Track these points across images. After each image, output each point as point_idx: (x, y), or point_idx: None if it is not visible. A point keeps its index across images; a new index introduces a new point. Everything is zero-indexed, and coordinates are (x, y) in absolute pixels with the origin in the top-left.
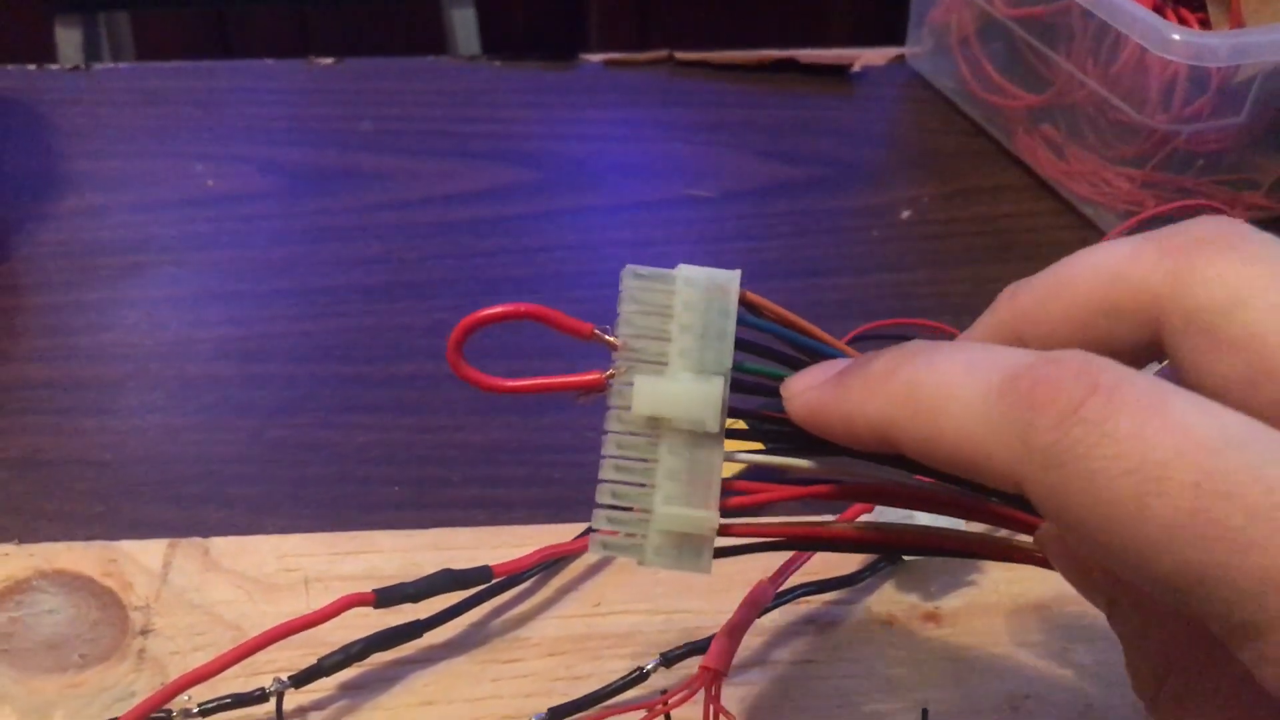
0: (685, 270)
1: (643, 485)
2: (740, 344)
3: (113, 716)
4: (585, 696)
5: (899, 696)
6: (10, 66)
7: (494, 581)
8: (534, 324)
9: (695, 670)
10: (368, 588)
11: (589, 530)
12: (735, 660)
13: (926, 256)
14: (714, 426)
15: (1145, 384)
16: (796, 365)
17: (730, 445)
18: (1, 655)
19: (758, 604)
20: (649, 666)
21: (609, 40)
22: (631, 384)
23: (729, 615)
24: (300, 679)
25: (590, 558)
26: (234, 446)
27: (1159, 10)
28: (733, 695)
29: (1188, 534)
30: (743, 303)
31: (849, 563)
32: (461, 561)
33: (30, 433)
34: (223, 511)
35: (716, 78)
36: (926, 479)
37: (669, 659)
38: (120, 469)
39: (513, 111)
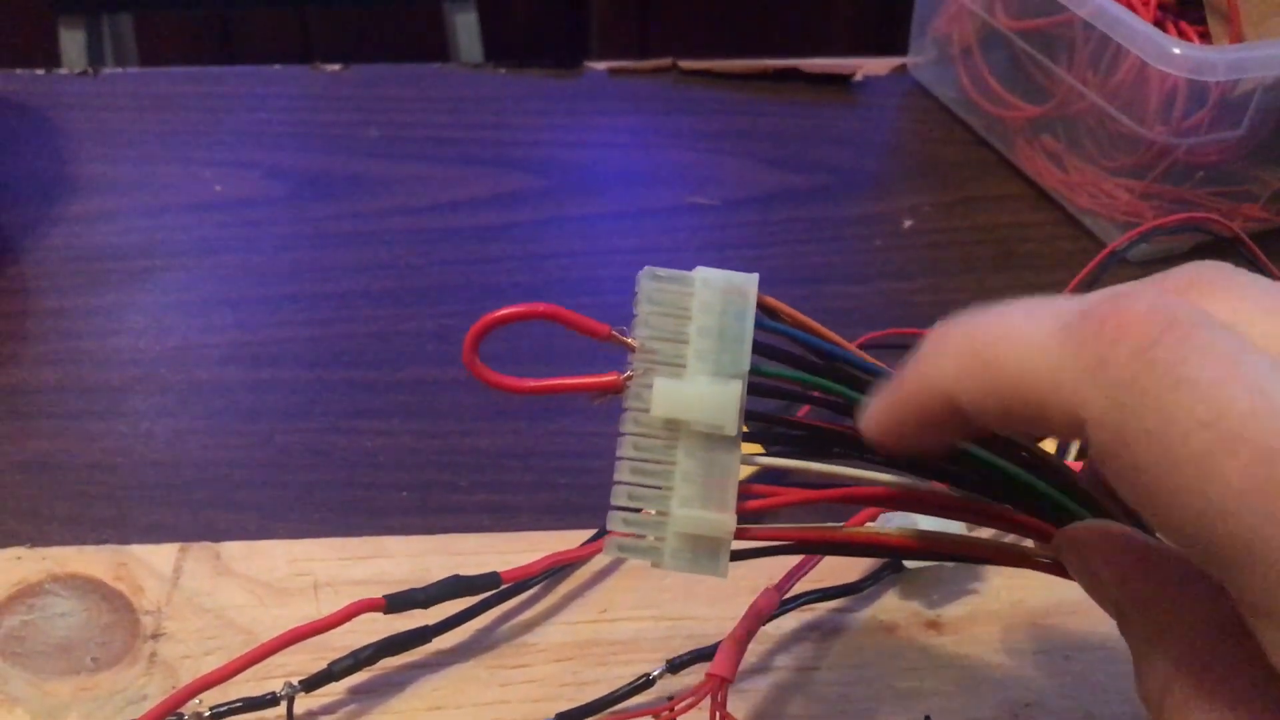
0: (703, 272)
1: (659, 488)
2: (756, 347)
3: (126, 719)
4: (592, 702)
5: (902, 704)
6: (18, 71)
7: (502, 587)
8: (542, 327)
9: (701, 677)
10: (377, 592)
11: (600, 534)
12: (740, 667)
13: (928, 265)
14: (732, 430)
15: (1221, 331)
16: (812, 369)
17: (744, 449)
18: (14, 658)
19: (763, 612)
20: (655, 673)
21: (610, 46)
22: (650, 386)
23: (734, 622)
24: (310, 683)
25: (597, 564)
26: (243, 451)
27: (1159, 24)
28: (737, 701)
29: (1254, 500)
30: (760, 306)
31: (852, 571)
32: (470, 567)
33: (41, 436)
34: (233, 516)
35: (719, 86)
36: (940, 484)
37: (675, 665)
38: (130, 473)
39: (518, 119)
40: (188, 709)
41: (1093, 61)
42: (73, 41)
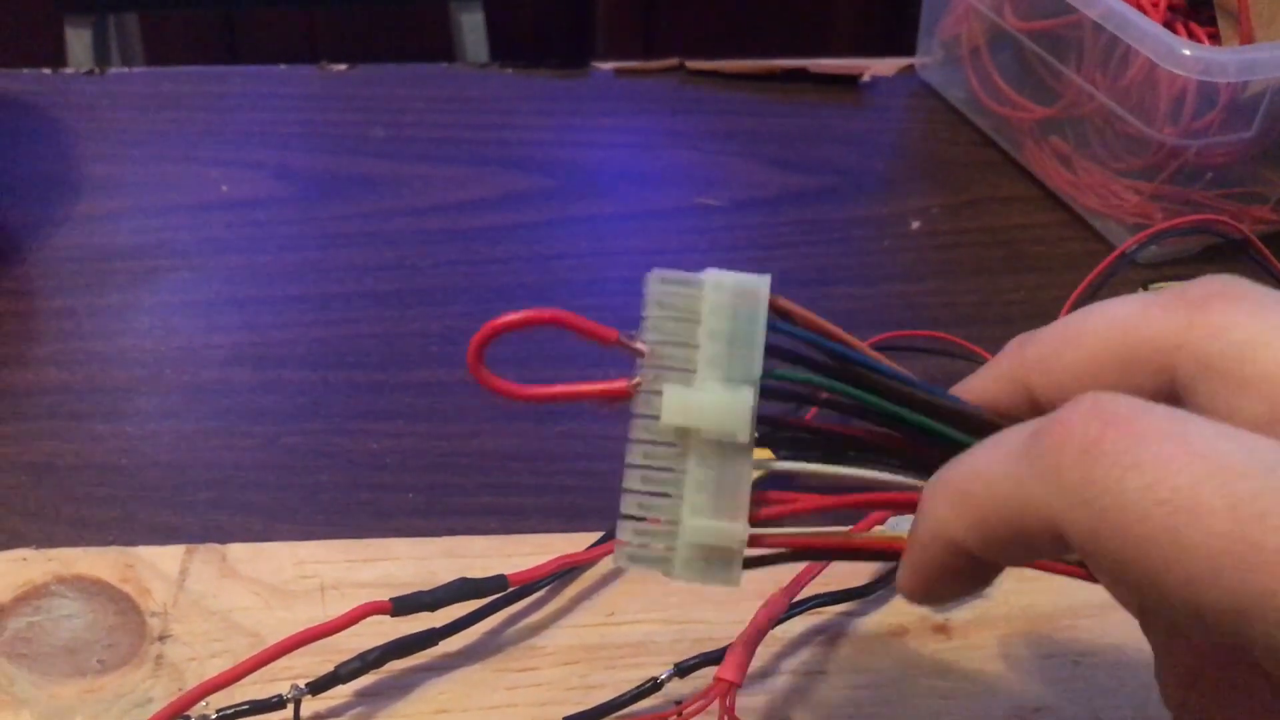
0: (713, 275)
1: (669, 496)
2: (768, 350)
3: None
4: (600, 706)
5: (910, 708)
6: (25, 70)
7: (509, 590)
8: (550, 331)
9: (709, 680)
10: (383, 595)
11: (607, 537)
12: (748, 671)
13: (936, 267)
14: (744, 437)
15: (1162, 412)
16: (825, 371)
17: (755, 454)
18: (20, 660)
19: (771, 616)
20: (663, 676)
21: (616, 46)
22: (659, 392)
23: (742, 625)
24: (317, 686)
25: (605, 567)
26: (249, 453)
27: (1169, 25)
28: (745, 705)
29: (1228, 560)
30: (772, 308)
31: (861, 575)
32: (476, 569)
33: (46, 437)
34: (238, 518)
35: (727, 87)
36: None
37: (683, 669)
38: (136, 474)
39: (524, 119)
40: (194, 712)
41: (1102, 62)
42: (79, 41)
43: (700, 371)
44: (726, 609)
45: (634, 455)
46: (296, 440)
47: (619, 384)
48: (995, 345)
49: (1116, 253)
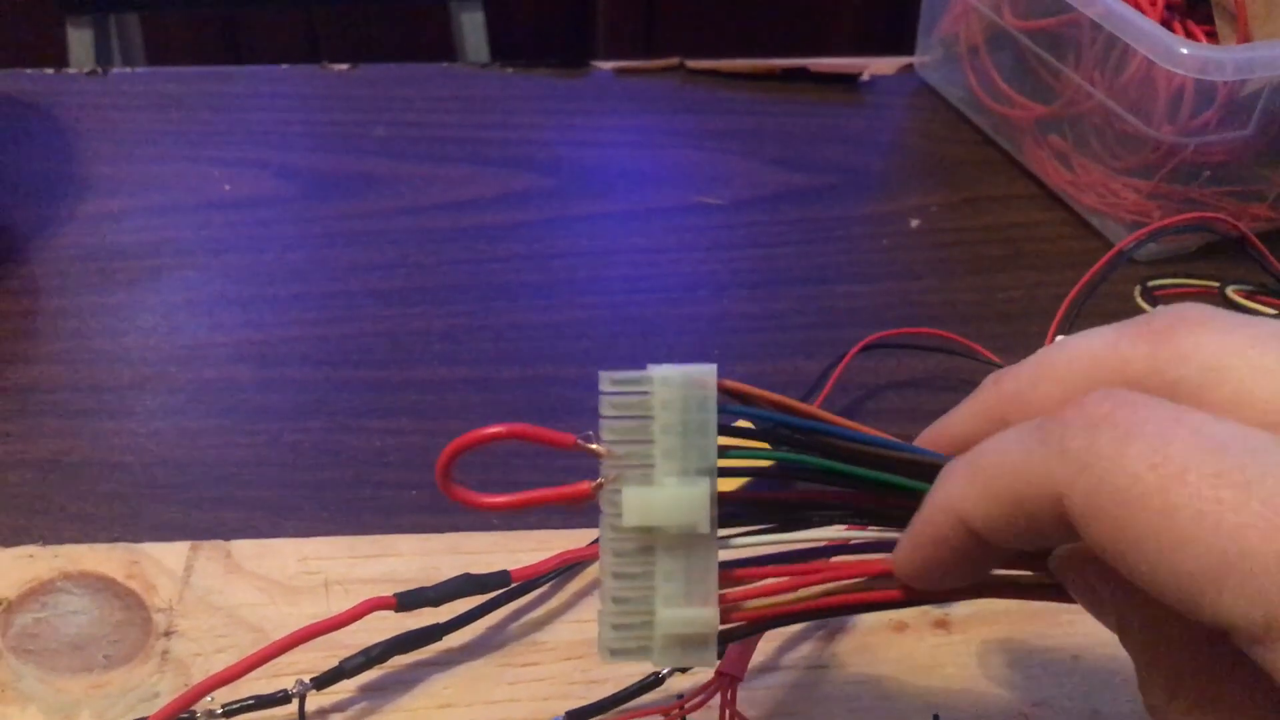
0: (660, 371)
1: (642, 589)
2: (729, 431)
3: (138, 717)
4: (602, 700)
5: (910, 702)
6: (27, 71)
7: (512, 586)
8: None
9: (710, 674)
10: (387, 590)
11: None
12: (750, 665)
13: (935, 265)
14: (705, 528)
15: (1165, 402)
16: (786, 443)
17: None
18: (27, 656)
19: None
20: (665, 671)
21: (616, 45)
22: (620, 491)
23: None
24: (322, 681)
25: None
26: (252, 450)
27: (1166, 23)
28: (746, 699)
29: (1211, 521)
30: (725, 391)
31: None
32: (479, 565)
33: (51, 435)
34: (242, 514)
35: (727, 86)
36: None
37: None
38: (141, 471)
39: (525, 118)
40: (200, 707)
41: (1100, 61)
42: (80, 41)
43: (658, 466)
44: None
45: (604, 553)
46: (300, 437)
47: (582, 487)
48: (994, 342)
49: (1115, 250)
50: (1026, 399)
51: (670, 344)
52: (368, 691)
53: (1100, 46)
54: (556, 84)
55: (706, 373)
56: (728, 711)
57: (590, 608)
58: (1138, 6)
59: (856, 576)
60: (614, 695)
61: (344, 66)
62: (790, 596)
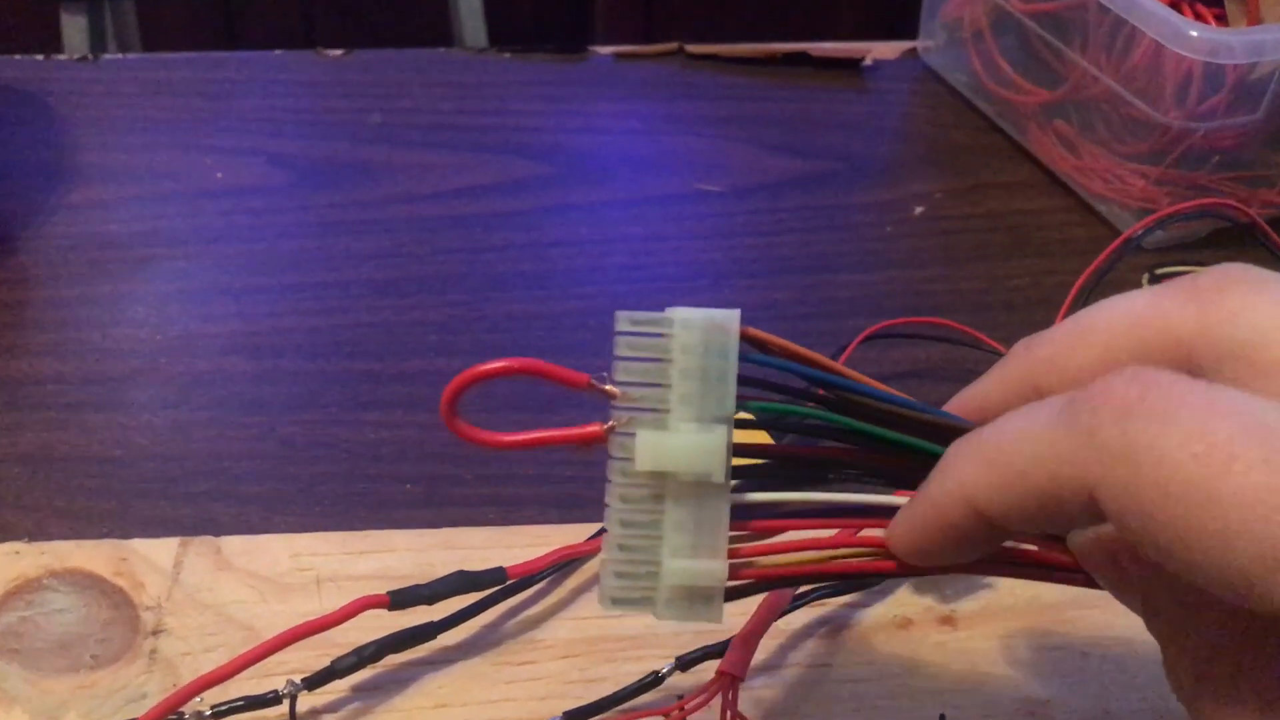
0: (681, 313)
1: (649, 537)
2: (745, 380)
3: (126, 718)
4: (600, 700)
5: (916, 701)
6: (18, 56)
7: (508, 583)
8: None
9: (711, 673)
10: (380, 587)
11: (602, 529)
12: (751, 664)
13: (939, 253)
14: (719, 477)
15: (1198, 382)
16: (805, 396)
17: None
18: (12, 655)
19: (775, 608)
20: (665, 670)
21: (615, 30)
22: (633, 435)
23: (743, 618)
24: (313, 681)
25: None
26: (244, 444)
27: (1175, 6)
28: (748, 698)
29: (1261, 510)
30: (747, 339)
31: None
32: (474, 561)
33: (40, 428)
34: (234, 509)
35: (727, 71)
36: None
37: (685, 662)
38: (130, 466)
39: (523, 104)
40: (189, 708)
41: (1107, 44)
42: (74, 27)
43: (673, 411)
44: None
45: (612, 499)
46: (293, 431)
47: (593, 428)
48: (999, 331)
49: (1122, 238)
50: (1061, 365)
51: None
52: (360, 691)
53: (1107, 29)
54: (555, 69)
55: (729, 318)
56: (729, 712)
57: (589, 605)
58: None
59: (871, 545)
60: (613, 695)
61: (339, 52)
62: (801, 557)
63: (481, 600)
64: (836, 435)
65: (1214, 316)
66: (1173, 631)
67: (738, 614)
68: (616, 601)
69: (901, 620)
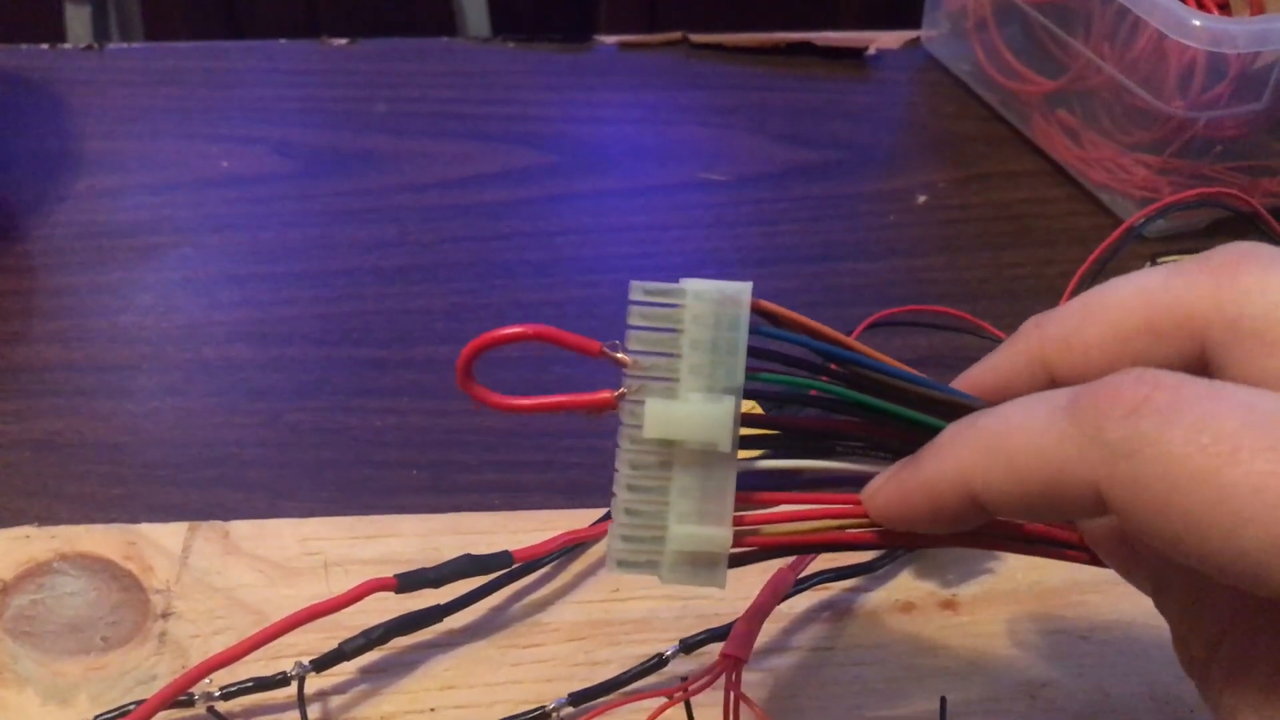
0: (694, 284)
1: (657, 503)
2: (756, 352)
3: (136, 699)
4: (605, 682)
5: (917, 684)
6: (24, 46)
7: (514, 567)
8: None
9: (714, 656)
10: (387, 572)
11: (607, 515)
12: (754, 647)
13: (942, 242)
14: (726, 446)
15: (1203, 381)
16: (815, 370)
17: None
18: (24, 638)
19: (778, 591)
20: (669, 653)
21: (619, 19)
22: (642, 403)
23: (746, 601)
24: (321, 663)
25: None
26: (251, 430)
27: None
28: (751, 681)
29: (1270, 497)
30: (759, 312)
31: (867, 551)
32: (480, 546)
33: (48, 415)
34: (241, 495)
35: (731, 60)
36: None
37: (688, 645)
38: (138, 451)
39: (527, 94)
40: (198, 689)
41: (1110, 34)
42: (78, 16)
43: (683, 380)
44: (733, 585)
45: (621, 464)
46: (300, 417)
47: (604, 395)
48: (1002, 320)
49: (1124, 227)
50: (1072, 343)
51: None
52: (368, 673)
53: (1110, 19)
54: (558, 59)
55: (740, 290)
56: (732, 694)
57: (593, 589)
58: None
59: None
60: (617, 677)
61: (344, 41)
62: (806, 526)
63: (488, 584)
64: (846, 409)
65: (1228, 293)
66: (1184, 610)
67: (738, 597)
68: (623, 564)
69: (904, 604)
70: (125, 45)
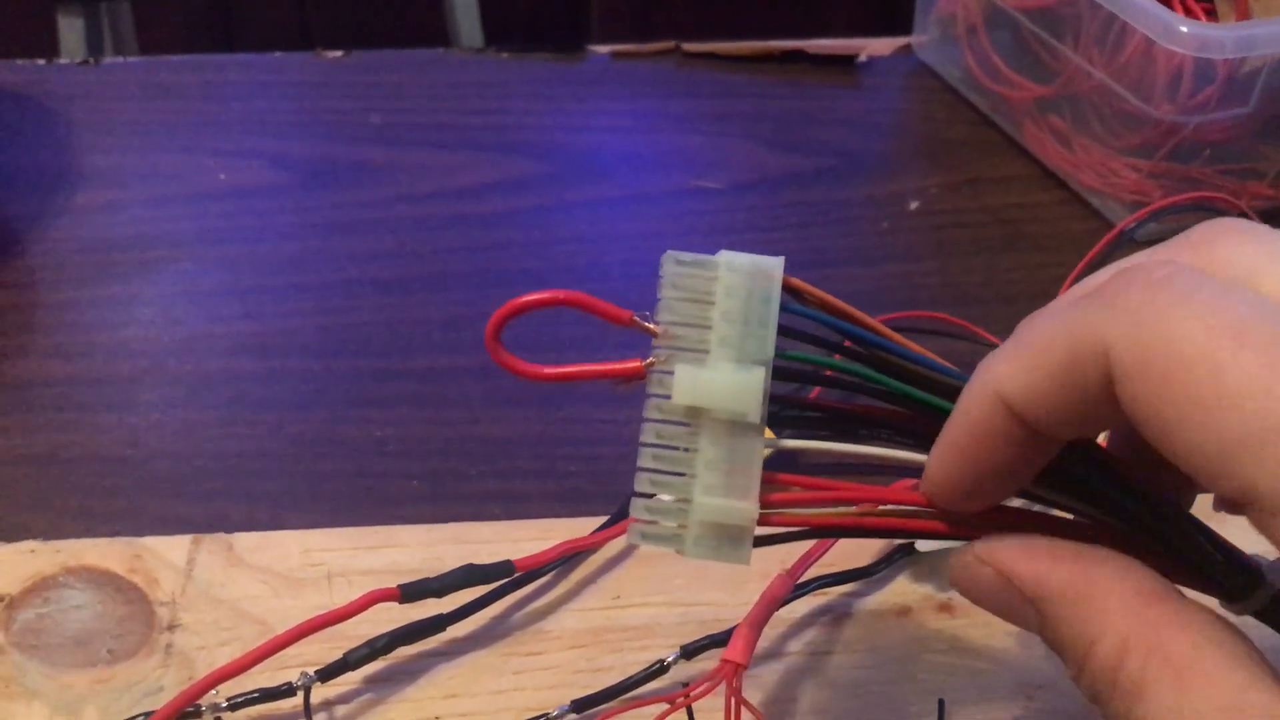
0: (727, 256)
1: (682, 474)
2: (781, 330)
3: (144, 710)
4: (607, 689)
5: (915, 687)
6: (19, 61)
7: (516, 575)
8: (553, 314)
9: (715, 662)
10: (390, 582)
11: (611, 521)
12: (754, 652)
13: (934, 247)
14: (755, 417)
15: (1222, 279)
16: (840, 350)
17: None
18: (31, 651)
19: (777, 597)
20: (669, 659)
21: (611, 28)
22: (672, 372)
23: (745, 607)
24: (326, 673)
25: (610, 551)
26: (253, 442)
27: (1166, 2)
28: (751, 685)
29: (1261, 385)
30: (786, 288)
31: (865, 555)
32: (482, 555)
33: (51, 429)
34: (244, 507)
35: (723, 69)
36: None
37: (689, 651)
38: (141, 465)
39: (521, 104)
40: (205, 700)
41: (1099, 40)
42: (72, 31)
43: (713, 352)
44: (732, 591)
45: (647, 434)
46: (301, 429)
47: (633, 364)
48: (995, 325)
49: (1116, 230)
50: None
51: None
52: (373, 683)
53: (1099, 25)
54: (552, 68)
55: (774, 265)
56: (733, 699)
57: (594, 597)
58: None
59: (900, 503)
60: (619, 683)
61: (338, 54)
62: (830, 510)
63: (490, 593)
64: (869, 391)
65: (1208, 267)
66: (1080, 624)
67: (740, 605)
68: (646, 537)
69: (901, 608)
70: (120, 59)
